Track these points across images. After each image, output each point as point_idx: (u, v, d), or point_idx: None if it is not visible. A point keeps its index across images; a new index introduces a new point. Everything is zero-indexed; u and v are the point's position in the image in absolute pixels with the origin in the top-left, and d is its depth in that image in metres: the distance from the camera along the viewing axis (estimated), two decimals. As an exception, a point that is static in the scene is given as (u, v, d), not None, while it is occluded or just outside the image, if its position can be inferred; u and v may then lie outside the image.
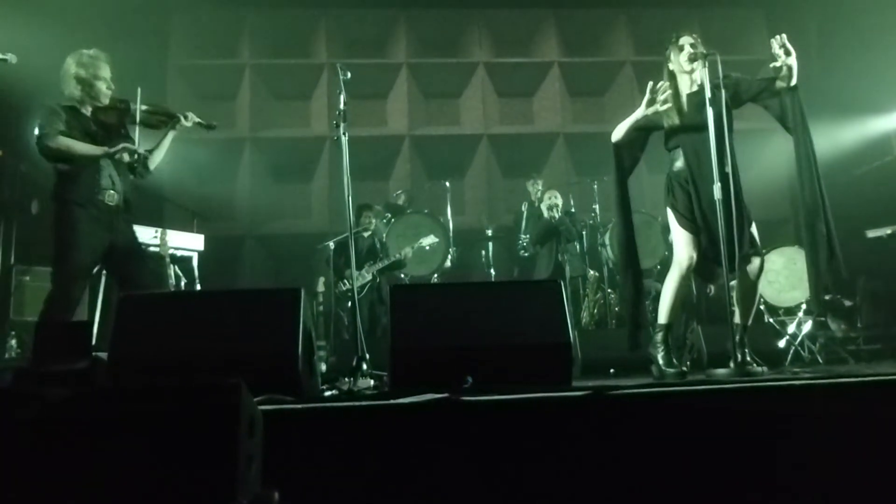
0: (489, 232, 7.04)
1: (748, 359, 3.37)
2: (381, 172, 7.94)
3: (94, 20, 5.90)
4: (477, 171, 8.11)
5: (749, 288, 3.52)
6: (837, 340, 5.72)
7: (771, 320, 5.59)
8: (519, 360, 2.61)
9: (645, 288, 4.17)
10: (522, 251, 6.63)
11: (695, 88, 3.59)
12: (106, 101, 3.66)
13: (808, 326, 5.63)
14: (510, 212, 7.52)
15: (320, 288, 6.63)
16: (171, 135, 3.80)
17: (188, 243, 5.45)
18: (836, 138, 6.55)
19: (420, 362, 2.59)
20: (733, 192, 3.28)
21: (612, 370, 4.74)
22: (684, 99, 3.60)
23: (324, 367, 4.66)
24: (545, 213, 6.35)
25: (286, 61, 7.99)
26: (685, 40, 3.60)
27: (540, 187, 6.83)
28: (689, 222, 3.51)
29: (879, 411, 2.02)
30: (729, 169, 3.31)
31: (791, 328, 5.60)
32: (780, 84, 3.48)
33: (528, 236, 6.58)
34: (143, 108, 3.67)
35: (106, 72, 3.64)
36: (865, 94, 6.53)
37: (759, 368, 3.33)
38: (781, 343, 5.35)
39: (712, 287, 5.59)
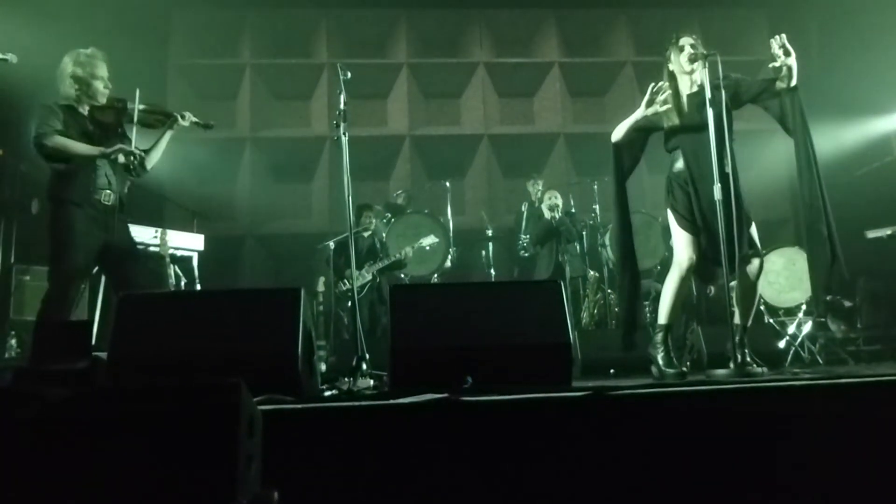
0: (489, 232, 7.03)
1: (748, 359, 3.36)
2: (381, 172, 7.94)
3: (94, 20, 5.91)
4: (477, 171, 8.11)
5: (749, 288, 3.52)
6: (837, 341, 5.72)
7: (771, 321, 5.60)
8: (519, 361, 2.61)
9: (644, 288, 4.17)
10: (522, 251, 6.63)
11: (695, 89, 3.59)
12: (103, 101, 3.65)
13: (808, 327, 5.64)
14: (510, 212, 7.51)
15: (320, 288, 6.63)
16: (168, 134, 3.78)
17: (188, 243, 5.45)
18: (836, 139, 6.55)
19: (420, 362, 2.59)
20: (733, 193, 3.28)
21: (612, 370, 4.74)
22: (684, 99, 3.60)
23: (324, 367, 4.66)
24: (545, 214, 6.35)
25: (286, 61, 7.99)
26: (685, 41, 3.59)
27: (540, 187, 6.82)
28: (689, 223, 3.51)
29: (879, 412, 2.03)
30: (729, 169, 3.31)
31: (791, 329, 5.61)
32: (780, 85, 3.47)
33: (528, 236, 6.57)
34: (141, 107, 3.66)
35: (103, 71, 3.63)
36: (866, 95, 6.53)
37: (759, 369, 3.33)
38: (781, 344, 5.35)
39: (712, 288, 5.59)
